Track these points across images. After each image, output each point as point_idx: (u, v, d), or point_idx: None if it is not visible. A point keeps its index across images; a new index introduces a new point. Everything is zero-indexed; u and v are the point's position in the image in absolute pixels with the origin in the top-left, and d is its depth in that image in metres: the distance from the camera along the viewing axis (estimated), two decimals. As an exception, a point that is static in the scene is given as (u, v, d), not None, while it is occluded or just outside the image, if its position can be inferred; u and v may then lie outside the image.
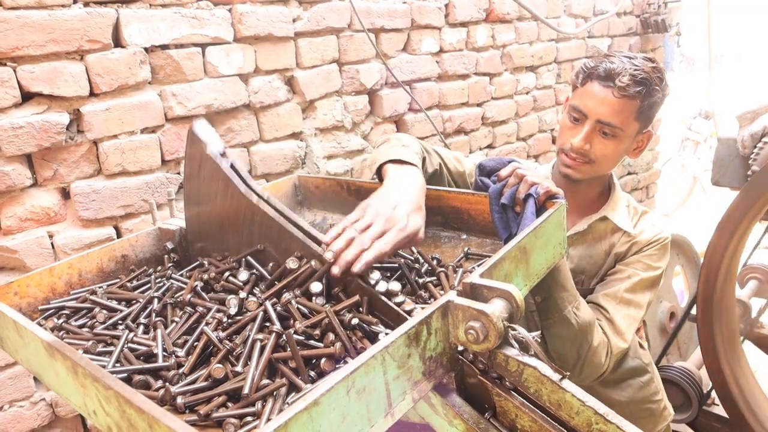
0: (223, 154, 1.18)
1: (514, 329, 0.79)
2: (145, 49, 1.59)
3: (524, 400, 0.80)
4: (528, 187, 1.16)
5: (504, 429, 0.81)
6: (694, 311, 2.49)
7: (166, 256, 1.31)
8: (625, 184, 3.61)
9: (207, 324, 0.99)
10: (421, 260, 1.16)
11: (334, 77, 2.03)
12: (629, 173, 3.61)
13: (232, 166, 1.17)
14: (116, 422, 0.72)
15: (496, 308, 0.77)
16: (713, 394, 2.58)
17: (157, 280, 1.21)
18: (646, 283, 1.45)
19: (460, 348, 0.84)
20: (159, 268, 1.30)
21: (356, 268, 0.93)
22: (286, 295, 0.95)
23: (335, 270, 0.94)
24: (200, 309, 1.03)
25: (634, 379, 1.67)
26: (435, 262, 1.16)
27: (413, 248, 1.20)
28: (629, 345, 1.40)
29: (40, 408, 1.53)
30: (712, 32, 4.72)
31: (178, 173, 1.70)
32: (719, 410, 2.57)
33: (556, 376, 0.77)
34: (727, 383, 2.28)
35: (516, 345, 0.80)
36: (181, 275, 1.21)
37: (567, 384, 0.76)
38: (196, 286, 1.12)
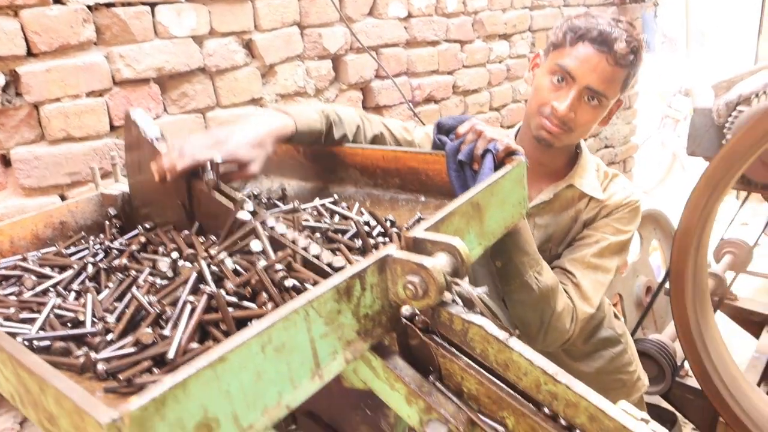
0: (159, 138, 1.11)
1: (457, 284, 0.73)
2: (89, 7, 1.50)
3: (470, 362, 0.75)
4: (486, 143, 1.10)
5: (450, 392, 0.76)
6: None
7: (107, 222, 1.24)
8: (601, 158, 3.57)
9: (139, 288, 0.92)
10: (374, 222, 1.09)
11: (295, 41, 1.95)
12: (606, 146, 3.56)
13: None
14: (15, 388, 0.66)
15: (438, 262, 0.71)
16: (686, 365, 2.56)
17: (95, 247, 1.14)
18: (615, 248, 1.40)
19: (405, 308, 0.78)
20: (101, 235, 1.23)
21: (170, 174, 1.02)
22: (221, 255, 0.88)
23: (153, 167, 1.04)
24: (134, 273, 0.97)
25: (606, 350, 1.63)
26: (389, 223, 1.10)
27: (363, 210, 1.14)
28: (596, 310, 1.36)
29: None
30: (691, 10, 4.69)
31: (128, 139, 1.62)
32: (692, 382, 2.56)
33: (502, 335, 0.71)
34: (699, 355, 2.26)
35: (460, 302, 0.74)
36: (121, 243, 1.14)
37: (514, 343, 0.70)
38: (134, 250, 1.05)
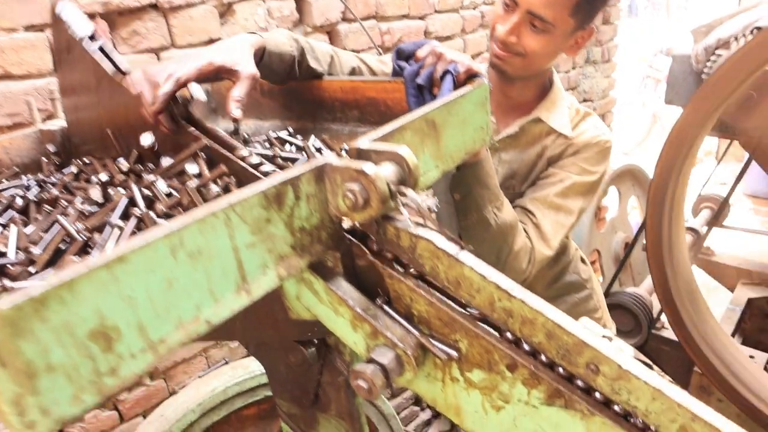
0: (92, 38, 0.99)
1: (403, 194, 0.66)
2: (23, -67, 1.39)
3: (420, 282, 0.69)
4: (446, 65, 1.03)
5: (399, 316, 0.70)
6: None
7: (44, 159, 1.16)
8: (580, 113, 3.51)
9: (67, 217, 0.85)
10: (327, 150, 1.03)
11: (255, -22, 1.85)
12: (585, 100, 3.50)
13: (102, 50, 0.98)
14: None
15: (380, 170, 0.64)
16: (663, 318, 2.56)
17: (28, 182, 1.06)
18: (580, 189, 1.34)
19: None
20: (39, 173, 1.15)
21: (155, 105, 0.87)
22: (150, 176, 0.81)
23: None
24: (65, 204, 0.89)
25: (569, 295, 1.59)
26: (343, 152, 1.03)
27: (316, 139, 1.08)
28: (554, 252, 1.31)
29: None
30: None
31: (75, 79, 1.52)
32: (668, 333, 2.55)
33: (453, 248, 0.65)
34: (675, 305, 2.24)
35: (406, 214, 0.68)
36: (58, 179, 1.06)
37: (465, 257, 0.64)
38: (66, 182, 0.98)
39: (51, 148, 1.17)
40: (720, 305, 2.90)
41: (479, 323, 0.65)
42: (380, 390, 0.64)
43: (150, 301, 0.50)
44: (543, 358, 0.62)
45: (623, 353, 0.61)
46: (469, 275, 0.64)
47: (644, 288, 2.80)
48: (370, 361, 0.66)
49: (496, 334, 0.64)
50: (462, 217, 1.19)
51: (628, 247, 2.82)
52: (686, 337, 2.26)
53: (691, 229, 3.13)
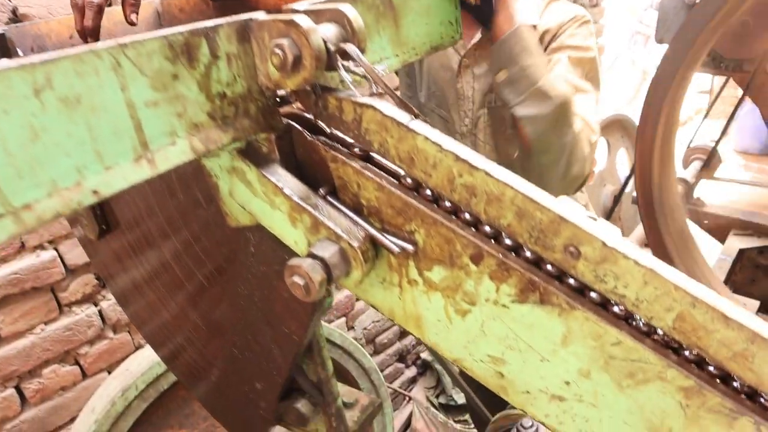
0: None
1: (347, 56, 0.56)
2: None
3: (368, 165, 0.58)
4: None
5: (345, 208, 0.60)
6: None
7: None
8: (567, 64, 3.38)
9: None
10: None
11: None
12: (571, 49, 3.38)
13: None
14: None
15: (317, 27, 0.54)
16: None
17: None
18: (579, 64, 1.23)
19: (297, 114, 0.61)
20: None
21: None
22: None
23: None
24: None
25: None
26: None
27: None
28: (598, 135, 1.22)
29: None
30: None
31: None
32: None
33: (404, 117, 0.55)
34: (671, 258, 2.16)
35: (349, 79, 0.57)
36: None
37: (418, 125, 0.54)
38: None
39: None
40: (709, 257, 2.84)
41: (437, 207, 0.55)
42: (318, 288, 0.54)
43: (5, 152, 0.39)
44: (524, 253, 0.52)
45: (609, 231, 0.51)
46: (423, 147, 0.53)
47: (635, 237, 2.72)
48: (310, 255, 0.56)
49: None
50: (514, 96, 1.08)
51: (616, 196, 2.74)
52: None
53: (682, 180, 3.05)
